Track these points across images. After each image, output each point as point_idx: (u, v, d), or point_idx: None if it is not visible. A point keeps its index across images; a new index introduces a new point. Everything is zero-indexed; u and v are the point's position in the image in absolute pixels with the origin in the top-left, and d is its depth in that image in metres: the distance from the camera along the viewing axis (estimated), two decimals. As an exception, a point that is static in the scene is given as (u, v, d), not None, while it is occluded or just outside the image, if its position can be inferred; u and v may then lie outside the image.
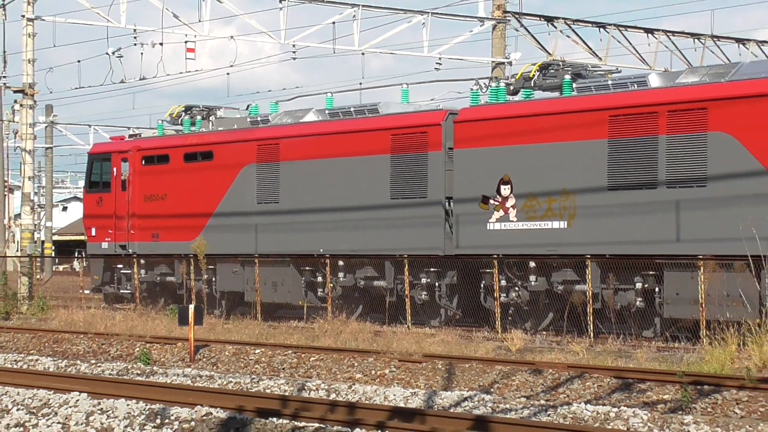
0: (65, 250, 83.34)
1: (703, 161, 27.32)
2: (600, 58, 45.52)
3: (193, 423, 17.61)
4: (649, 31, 49.14)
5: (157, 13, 41.96)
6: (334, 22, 44.52)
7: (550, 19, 47.46)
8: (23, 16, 41.15)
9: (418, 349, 26.19)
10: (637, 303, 28.89)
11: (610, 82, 31.23)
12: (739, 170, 26.62)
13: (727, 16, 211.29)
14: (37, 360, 28.49)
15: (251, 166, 37.44)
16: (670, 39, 49.30)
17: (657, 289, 28.50)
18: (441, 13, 46.70)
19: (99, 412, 18.87)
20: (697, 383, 20.18)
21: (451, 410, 19.21)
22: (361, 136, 34.59)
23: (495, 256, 31.32)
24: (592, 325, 28.84)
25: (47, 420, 18.92)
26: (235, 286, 38.25)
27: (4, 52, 45.17)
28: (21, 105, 43.45)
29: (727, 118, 27.00)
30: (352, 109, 36.72)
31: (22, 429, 18.79)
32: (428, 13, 45.71)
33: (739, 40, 50.98)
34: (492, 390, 21.90)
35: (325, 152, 35.33)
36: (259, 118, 39.62)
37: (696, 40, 49.82)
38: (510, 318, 31.29)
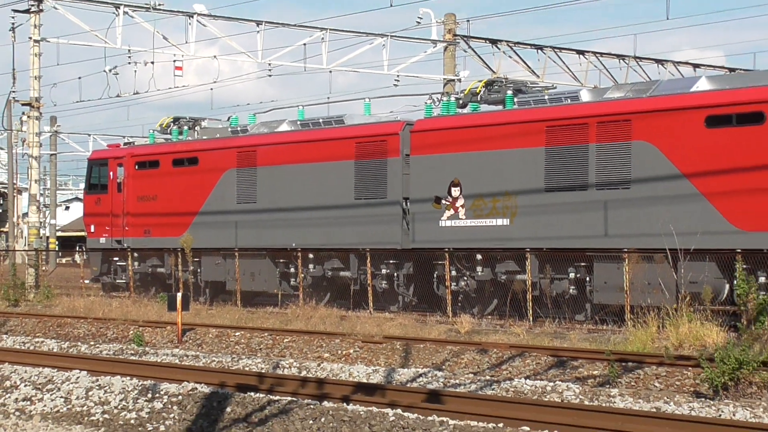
0: (67, 244, 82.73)
1: (628, 166, 27.34)
2: (538, 76, 45.43)
3: (180, 397, 17.63)
4: (581, 52, 49.14)
5: (149, 35, 41.69)
6: (305, 44, 44.58)
7: (494, 42, 47.32)
8: (30, 38, 40.85)
9: (379, 331, 26.18)
10: (571, 290, 28.99)
11: (546, 97, 31.24)
12: (658, 174, 26.70)
13: (648, 40, 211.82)
14: (42, 342, 28.47)
15: (232, 170, 37.30)
16: (598, 59, 49.32)
17: (588, 279, 28.58)
18: (399, 36, 46.69)
19: (97, 387, 18.87)
20: (623, 360, 20.18)
21: (408, 385, 19.27)
22: (328, 144, 34.45)
23: (446, 249, 31.29)
24: (531, 310, 28.92)
25: (51, 395, 19.01)
26: (218, 276, 38.08)
27: (14, 69, 45.19)
28: (28, 116, 43.11)
29: (648, 128, 27.05)
30: (320, 120, 36.55)
31: (29, 402, 18.87)
32: (388, 36, 45.62)
33: (658, 61, 51.03)
34: (444, 367, 21.93)
35: (297, 158, 35.29)
36: (238, 128, 39.47)
37: (621, 61, 49.86)
38: (459, 304, 31.31)
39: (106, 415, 17.55)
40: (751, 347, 17.99)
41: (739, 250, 24.95)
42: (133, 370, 20.86)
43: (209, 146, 38.93)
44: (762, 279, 24.26)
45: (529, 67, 47.18)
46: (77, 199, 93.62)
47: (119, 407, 17.77)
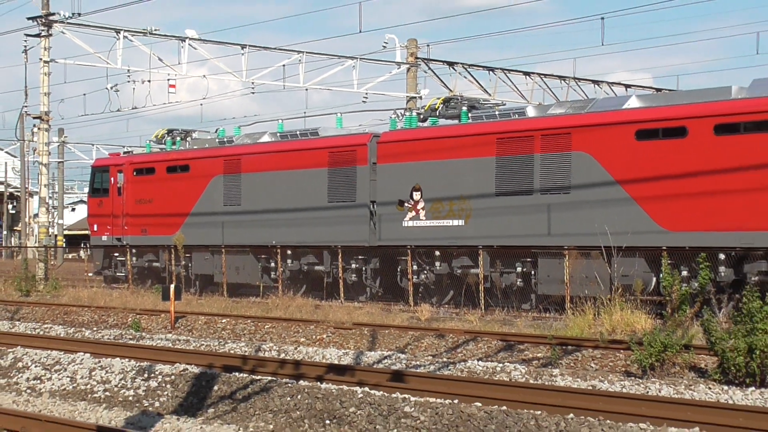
0: (73, 242, 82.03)
1: (568, 174, 27.45)
2: (489, 94, 45.33)
3: (173, 377, 17.62)
4: (527, 73, 49.13)
5: (146, 56, 41.57)
6: (284, 65, 44.45)
7: (451, 64, 47.30)
8: (41, 59, 40.71)
9: (349, 319, 26.11)
10: (518, 283, 29.08)
11: (497, 113, 31.21)
12: (594, 181, 26.83)
13: (585, 63, 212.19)
14: (50, 327, 28.47)
15: (219, 176, 37.20)
16: (542, 80, 49.33)
17: (533, 272, 28.69)
18: (367, 58, 46.49)
19: (99, 368, 18.87)
20: (563, 344, 20.33)
21: (374, 366, 19.35)
22: (304, 154, 34.41)
23: (408, 246, 31.35)
24: (483, 300, 28.98)
25: (58, 374, 19.01)
26: (207, 270, 38.00)
27: (26, 87, 44.59)
28: (38, 128, 42.91)
29: (585, 140, 27.16)
30: (298, 133, 36.51)
31: (39, 381, 18.89)
32: (357, 58, 45.55)
33: (594, 82, 51.10)
34: (406, 350, 21.95)
35: (276, 166, 35.24)
36: (225, 139, 39.34)
37: (562, 81, 49.92)
38: (420, 295, 31.30)
39: (107, 393, 17.56)
40: (674, 332, 18.09)
41: (664, 248, 25.00)
42: (131, 352, 20.87)
43: (199, 155, 38.79)
44: (684, 273, 24.37)
45: (482, 86, 47.22)
46: (82, 201, 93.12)
47: (119, 386, 17.77)
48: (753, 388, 16.04)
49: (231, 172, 36.88)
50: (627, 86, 51.57)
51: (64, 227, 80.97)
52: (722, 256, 24.62)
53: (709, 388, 16.15)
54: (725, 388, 16.17)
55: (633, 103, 27.87)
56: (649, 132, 26.13)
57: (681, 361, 17.81)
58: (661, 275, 23.04)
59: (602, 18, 59.81)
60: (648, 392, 15.92)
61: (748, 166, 24.06)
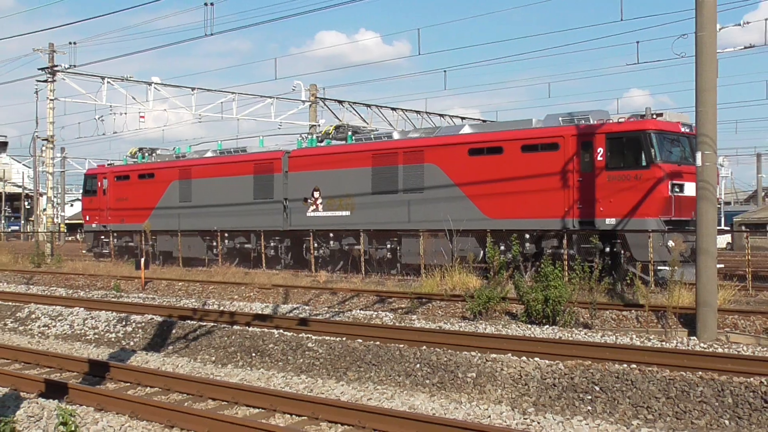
0: (72, 228, 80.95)
1: (422, 179, 27.47)
2: (367, 123, 45.32)
3: (143, 323, 17.53)
4: (394, 108, 49.21)
5: (123, 96, 41.59)
6: (222, 102, 43.95)
7: (340, 102, 47.21)
8: (48, 98, 41.16)
9: (269, 281, 26.10)
10: (388, 255, 29.18)
11: (372, 136, 31.40)
12: (441, 184, 26.93)
13: (433, 101, 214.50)
14: (55, 289, 27.95)
15: (176, 181, 36.64)
16: (404, 113, 49.44)
17: (398, 248, 28.77)
18: (282, 97, 46.30)
19: (90, 318, 18.75)
20: (419, 298, 20.61)
21: (287, 314, 19.28)
22: (237, 165, 34.04)
23: (311, 230, 31.25)
24: (363, 267, 29.08)
25: (61, 323, 18.89)
26: (167, 248, 37.37)
27: (36, 117, 46.10)
28: (46, 147, 43.19)
29: (434, 156, 27.22)
30: (232, 150, 36.22)
31: (47, 327, 18.83)
32: (274, 97, 45.38)
33: (440, 114, 51.50)
34: (309, 303, 21.96)
35: (217, 173, 34.81)
36: (180, 155, 38.99)
37: (418, 114, 50.03)
38: (319, 264, 31.20)
39: (96, 336, 17.53)
40: (495, 289, 18.42)
41: (488, 230, 25.46)
42: (113, 307, 20.63)
43: (161, 166, 38.20)
44: (502, 247, 24.60)
45: (362, 117, 47.16)
46: (78, 199, 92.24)
47: (104, 330, 17.71)
48: (548, 326, 16.47)
49: (184, 178, 36.36)
50: (462, 118, 51.96)
51: (65, 218, 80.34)
52: (527, 236, 24.91)
53: (518, 327, 16.52)
54: (529, 326, 16.57)
55: (467, 129, 28.06)
56: (477, 150, 26.17)
57: (500, 308, 18.18)
58: (486, 249, 23.58)
59: (445, 71, 60.08)
60: (477, 330, 16.15)
61: (543, 173, 24.31)
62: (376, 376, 12.63)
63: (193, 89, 43.03)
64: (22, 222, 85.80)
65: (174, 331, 16.74)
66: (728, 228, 52.99)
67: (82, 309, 20.04)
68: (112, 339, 17.14)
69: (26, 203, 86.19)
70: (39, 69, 41.91)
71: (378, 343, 14.04)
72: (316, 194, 30.99)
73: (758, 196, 70.94)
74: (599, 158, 23.34)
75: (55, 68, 41.26)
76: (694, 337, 15.19)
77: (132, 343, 16.65)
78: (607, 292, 19.15)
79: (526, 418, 10.23)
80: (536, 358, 12.30)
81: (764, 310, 17.01)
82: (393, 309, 20.12)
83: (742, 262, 27.05)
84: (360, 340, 14.35)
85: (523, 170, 24.88)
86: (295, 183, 31.74)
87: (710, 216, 15.40)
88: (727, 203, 71.66)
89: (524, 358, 12.34)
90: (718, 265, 16.53)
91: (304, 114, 47.78)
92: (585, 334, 15.50)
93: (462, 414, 10.42)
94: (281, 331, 15.80)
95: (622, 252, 23.00)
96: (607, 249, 23.19)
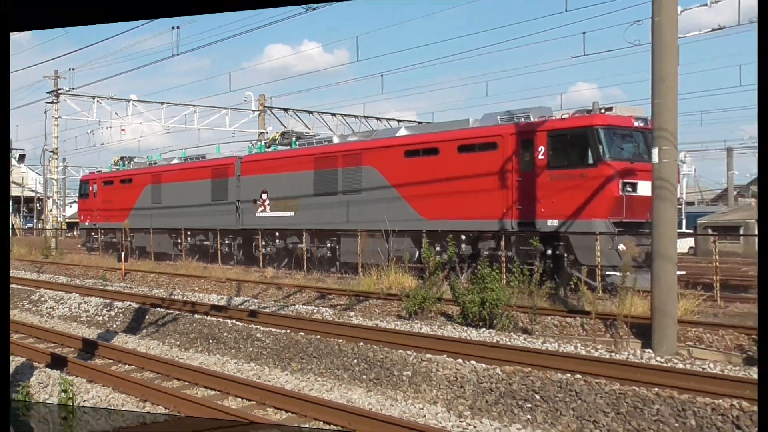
0: (71, 226, 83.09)
1: (360, 181, 26.96)
2: (309, 128, 45.68)
3: (123, 309, 19.30)
4: (333, 114, 49.31)
5: (108, 112, 45.49)
6: (186, 114, 46.65)
7: (285, 109, 47.66)
8: (53, 116, 47.05)
9: (224, 276, 26.64)
10: (328, 254, 28.81)
11: (314, 141, 31.33)
12: (378, 185, 26.34)
13: (371, 105, 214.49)
14: (58, 277, 30.65)
15: (149, 185, 38.37)
16: (344, 118, 49.55)
17: (338, 247, 28.42)
18: (235, 108, 47.68)
19: (84, 303, 20.87)
20: (357, 295, 20.28)
21: (239, 306, 19.60)
22: (197, 170, 35.11)
23: (260, 229, 31.55)
24: (305, 265, 28.96)
25: (62, 306, 21.15)
26: (142, 244, 38.93)
27: (45, 133, 50.94)
28: (52, 158, 49.49)
29: (371, 158, 26.61)
30: (194, 157, 37.46)
31: (51, 309, 21.23)
32: (228, 108, 47.07)
33: (377, 118, 51.19)
34: (258, 297, 22.30)
35: (182, 178, 36.07)
36: (152, 162, 41.08)
37: (356, 118, 50.05)
38: (267, 261, 31.44)
39: (88, 318, 19.44)
40: (431, 289, 17.99)
41: (424, 231, 24.56)
42: (101, 294, 22.76)
43: (138, 172, 40.18)
44: (437, 248, 23.25)
45: (305, 123, 47.49)
46: (75, 201, 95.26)
47: (94, 313, 19.58)
48: (484, 329, 15.73)
49: (156, 182, 37.99)
50: (398, 120, 51.81)
51: (66, 217, 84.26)
52: (464, 237, 23.79)
53: (454, 328, 15.83)
54: (465, 328, 15.80)
55: (403, 132, 27.49)
56: (413, 152, 25.25)
57: (435, 309, 17.52)
58: (422, 249, 22.57)
59: (381, 75, 60.63)
60: (413, 330, 15.63)
61: (480, 174, 22.90)
62: (317, 368, 12.57)
63: (162, 104, 46.02)
64: (35, 221, 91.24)
65: (147, 317, 18.01)
66: (691, 231, 44.96)
67: (78, 294, 22.29)
68: (100, 321, 18.89)
69: (38, 205, 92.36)
70: (47, 93, 46.89)
71: (319, 336, 14.03)
72: (264, 196, 31.31)
73: (729, 195, 58.93)
74: (540, 157, 21.38)
75: (59, 91, 45.93)
76: (649, 350, 13.26)
77: (115, 326, 18.22)
78: (549, 296, 17.60)
79: (462, 421, 9.69)
80: (472, 361, 11.62)
81: (735, 324, 14.50)
82: (332, 305, 19.76)
83: (708, 269, 23.43)
84: (303, 333, 14.40)
85: (459, 171, 23.44)
86: (247, 186, 32.15)
87: (669, 217, 13.46)
88: (690, 203, 62.28)
89: (460, 360, 11.68)
90: (679, 272, 14.54)
91: (254, 122, 48.96)
92: (524, 339, 14.35)
93: (398, 411, 10.13)
94: (234, 321, 16.28)
95: (566, 255, 20.84)
96: (549, 252, 21.23)
